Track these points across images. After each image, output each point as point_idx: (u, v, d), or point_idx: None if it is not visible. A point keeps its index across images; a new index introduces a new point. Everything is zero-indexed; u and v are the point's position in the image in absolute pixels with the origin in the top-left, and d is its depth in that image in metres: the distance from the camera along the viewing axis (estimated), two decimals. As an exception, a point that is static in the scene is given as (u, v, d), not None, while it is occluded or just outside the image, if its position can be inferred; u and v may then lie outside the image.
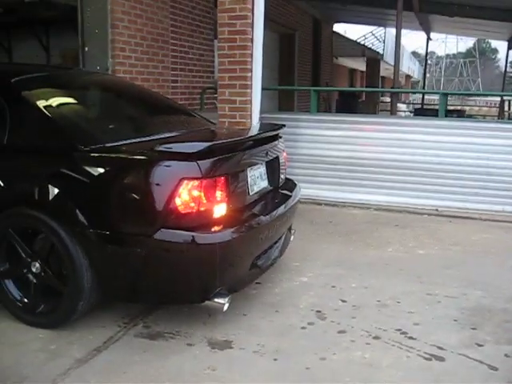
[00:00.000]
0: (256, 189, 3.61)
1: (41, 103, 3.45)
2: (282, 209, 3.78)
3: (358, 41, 20.88)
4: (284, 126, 4.18)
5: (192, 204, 3.00)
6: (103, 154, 3.26)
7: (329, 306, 3.74)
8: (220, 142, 3.44)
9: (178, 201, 2.97)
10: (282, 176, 4.24)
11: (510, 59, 16.97)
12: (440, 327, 3.47)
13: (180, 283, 3.18)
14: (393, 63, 10.92)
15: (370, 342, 3.27)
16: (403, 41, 21.00)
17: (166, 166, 3.09)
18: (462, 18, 12.00)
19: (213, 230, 3.07)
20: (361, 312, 3.66)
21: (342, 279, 4.24)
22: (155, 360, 3.03)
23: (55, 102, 3.63)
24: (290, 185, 4.32)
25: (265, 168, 3.81)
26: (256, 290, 3.98)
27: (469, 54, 61.21)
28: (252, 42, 6.38)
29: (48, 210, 3.18)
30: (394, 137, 6.78)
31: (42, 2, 7.58)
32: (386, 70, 22.61)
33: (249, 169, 3.53)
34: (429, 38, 16.81)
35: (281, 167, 4.18)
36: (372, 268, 4.51)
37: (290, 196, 4.05)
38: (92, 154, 3.24)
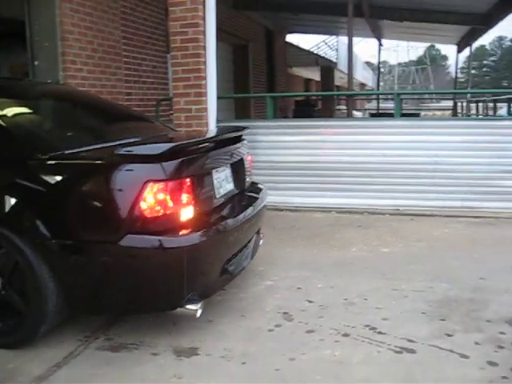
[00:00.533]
0: (222, 192, 3.54)
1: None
2: (249, 211, 3.70)
3: (311, 50, 21.05)
4: (247, 128, 4.11)
5: (158, 207, 2.90)
6: (62, 161, 3.14)
7: (295, 308, 3.66)
8: (183, 143, 3.32)
9: (143, 205, 2.87)
10: (248, 179, 4.17)
11: (459, 64, 17.37)
12: (409, 321, 3.43)
13: (149, 290, 3.05)
14: (346, 71, 11.00)
15: (339, 339, 3.21)
16: (356, 50, 21.30)
17: (129, 170, 2.98)
18: (411, 23, 12.20)
19: (180, 233, 2.97)
20: (328, 311, 3.60)
21: (307, 281, 4.18)
22: (118, 372, 2.89)
23: (7, 111, 3.46)
24: (257, 188, 4.26)
25: (230, 171, 3.75)
26: (221, 295, 3.87)
27: (420, 61, 62.67)
28: (205, 49, 6.31)
29: (6, 222, 3.04)
30: (350, 139, 6.80)
31: (-13, 18, 7.37)
32: (340, 78, 22.86)
33: (214, 171, 3.44)
34: (380, 45, 17.05)
35: (246, 170, 4.11)
36: (337, 268, 4.46)
37: (258, 198, 3.99)
38: (50, 162, 3.11)
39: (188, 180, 3.03)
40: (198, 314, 3.06)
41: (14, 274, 3.05)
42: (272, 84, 15.55)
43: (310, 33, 18.92)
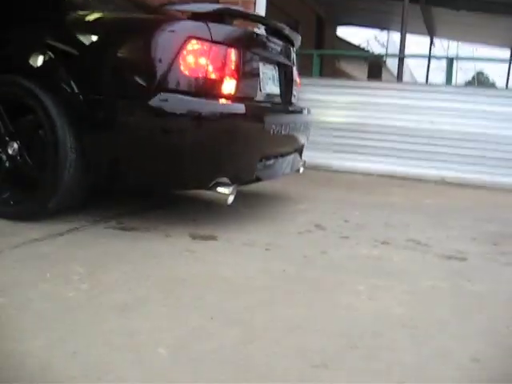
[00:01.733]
0: (268, 90, 3.21)
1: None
2: (292, 118, 3.41)
3: (361, 46, 20.64)
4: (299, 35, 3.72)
5: (197, 68, 2.60)
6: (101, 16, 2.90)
7: (330, 223, 3.28)
8: (234, 8, 2.95)
9: (181, 62, 2.57)
10: (295, 95, 3.78)
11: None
12: (457, 241, 3.03)
13: (177, 163, 2.71)
14: (394, 71, 10.53)
15: (378, 245, 2.81)
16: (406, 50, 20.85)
17: (172, 24, 2.72)
18: (466, 17, 11.74)
19: (219, 101, 2.68)
20: (366, 228, 3.21)
21: (343, 209, 3.78)
22: (125, 244, 2.55)
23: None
24: (303, 107, 3.85)
25: (277, 73, 3.41)
26: (249, 208, 3.50)
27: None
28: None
29: (36, 78, 2.75)
30: (398, 103, 6.36)
31: None
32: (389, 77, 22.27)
33: (261, 63, 3.12)
34: (432, 43, 16.55)
35: (294, 83, 3.74)
36: (376, 206, 4.04)
37: (302, 114, 3.66)
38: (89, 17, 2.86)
39: (233, 50, 2.71)
40: (230, 199, 2.72)
41: (33, 138, 2.81)
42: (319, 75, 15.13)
43: (360, 25, 18.49)
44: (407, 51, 9.24)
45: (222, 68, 2.66)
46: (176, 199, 3.62)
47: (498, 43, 15.77)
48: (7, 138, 2.83)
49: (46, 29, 2.87)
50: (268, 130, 2.96)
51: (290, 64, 3.62)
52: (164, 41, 2.65)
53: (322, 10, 14.55)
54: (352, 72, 21.63)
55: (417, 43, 19.30)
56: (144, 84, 2.62)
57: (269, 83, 3.27)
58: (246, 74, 2.91)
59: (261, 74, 3.12)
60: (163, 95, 2.56)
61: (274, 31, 3.33)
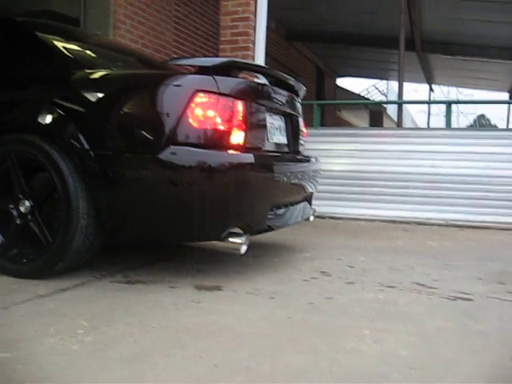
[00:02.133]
0: (275, 140, 3.26)
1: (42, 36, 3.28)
2: (301, 166, 3.44)
3: (361, 94, 20.93)
4: (301, 82, 3.77)
5: (207, 120, 2.65)
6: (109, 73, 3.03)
7: (335, 269, 3.29)
8: (240, 61, 3.06)
9: (190, 115, 2.63)
10: (302, 143, 3.84)
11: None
12: (462, 282, 3.03)
13: (189, 215, 2.71)
14: (395, 117, 10.69)
15: (383, 289, 2.82)
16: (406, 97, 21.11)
17: (179, 78, 2.78)
18: (462, 62, 11.96)
19: (229, 151, 2.73)
20: (371, 273, 3.22)
21: (348, 255, 3.79)
22: (130, 296, 2.56)
23: (54, 39, 3.39)
24: (310, 156, 3.85)
25: (284, 123, 3.48)
26: (254, 257, 3.52)
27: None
28: (254, 44, 6.17)
29: (46, 136, 2.82)
30: (398, 148, 6.45)
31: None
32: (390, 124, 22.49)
33: (268, 114, 3.16)
34: (431, 89, 16.83)
35: (301, 132, 3.80)
36: (381, 251, 4.05)
37: (310, 162, 3.68)
38: (95, 76, 2.96)
39: (240, 101, 2.78)
40: (243, 249, 2.72)
41: (45, 198, 2.86)
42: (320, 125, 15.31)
43: (360, 76, 18.83)
44: (407, 98, 9.39)
45: (229, 120, 2.71)
46: (180, 250, 3.63)
47: (495, 88, 16.00)
48: (20, 196, 2.87)
49: (54, 87, 2.97)
50: (277, 179, 2.99)
51: (296, 114, 3.66)
52: (172, 95, 2.70)
53: (321, 63, 14.84)
54: (353, 120, 21.90)
55: (416, 90, 19.59)
56: (153, 138, 2.66)
57: (276, 133, 3.31)
58: (254, 125, 2.95)
59: (268, 124, 3.16)
60: (173, 148, 2.60)
61: (278, 82, 3.35)
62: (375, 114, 20.78)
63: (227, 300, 2.51)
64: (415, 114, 26.66)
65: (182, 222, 2.71)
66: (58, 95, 2.88)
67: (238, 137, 2.76)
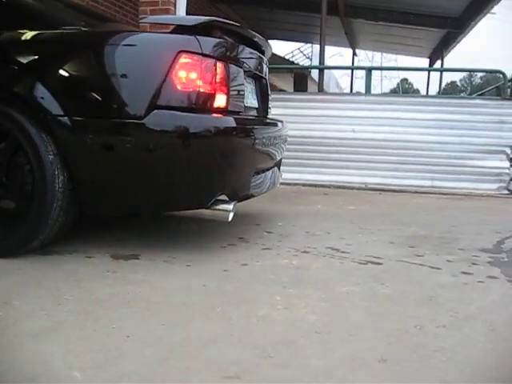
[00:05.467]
0: (249, 103, 3.14)
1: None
2: (274, 130, 3.32)
3: (286, 58, 20.97)
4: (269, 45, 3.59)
5: (191, 83, 2.54)
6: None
7: (253, 235, 3.35)
8: (221, 20, 2.81)
9: (173, 77, 2.50)
10: (270, 107, 3.75)
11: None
12: (375, 246, 3.14)
13: (175, 182, 2.63)
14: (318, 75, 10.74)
15: (298, 254, 2.89)
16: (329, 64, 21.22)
17: (162, 38, 2.68)
18: (386, 28, 12.17)
19: (214, 115, 2.62)
20: (288, 238, 3.28)
21: (266, 221, 3.85)
22: (45, 267, 2.53)
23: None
24: (278, 120, 3.69)
25: (254, 87, 3.36)
26: (175, 225, 3.53)
27: (393, 93, 63.55)
28: (174, 6, 6.06)
29: (13, 100, 2.61)
30: (320, 113, 6.54)
31: None
32: (314, 88, 22.66)
33: (244, 76, 3.03)
34: (354, 54, 17.06)
35: (269, 96, 3.71)
36: (300, 216, 4.13)
37: (280, 127, 3.55)
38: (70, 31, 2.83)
39: (222, 63, 2.65)
40: (230, 216, 2.66)
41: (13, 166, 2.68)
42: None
43: (285, 39, 18.83)
44: (333, 62, 9.49)
45: (213, 82, 2.59)
46: (101, 221, 3.58)
47: (418, 53, 16.39)
48: None
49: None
50: (258, 143, 2.92)
51: (264, 76, 3.55)
52: (154, 56, 2.58)
53: (247, 26, 14.66)
54: (279, 84, 21.93)
55: (341, 54, 19.80)
56: (136, 102, 2.52)
57: (249, 96, 3.19)
58: (234, 88, 2.83)
59: (245, 87, 3.06)
60: (157, 113, 2.49)
61: (247, 41, 3.15)
62: (300, 77, 20.84)
63: (144, 269, 2.52)
64: (340, 78, 26.93)
65: (168, 190, 2.64)
66: (20, 54, 2.70)
67: (221, 100, 2.64)
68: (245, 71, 3.03)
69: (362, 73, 19.81)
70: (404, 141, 6.21)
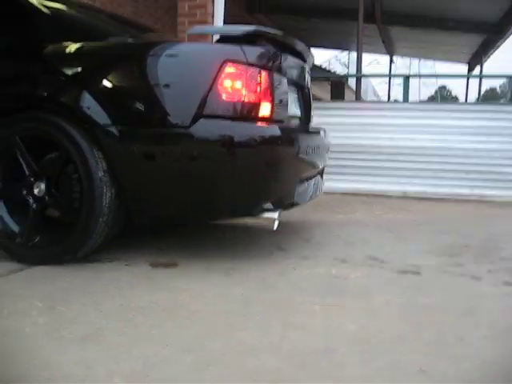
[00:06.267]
0: (292, 112, 3.14)
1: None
2: (317, 139, 3.32)
3: (323, 66, 20.96)
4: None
5: (236, 92, 2.55)
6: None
7: (291, 244, 3.35)
8: (265, 30, 2.83)
9: (220, 87, 2.52)
10: (312, 116, 3.73)
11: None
12: (414, 255, 3.12)
13: (222, 191, 2.63)
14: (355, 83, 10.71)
15: (337, 263, 2.88)
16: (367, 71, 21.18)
17: (207, 48, 2.75)
18: (423, 34, 12.05)
19: (261, 124, 2.64)
20: (326, 247, 3.28)
21: (305, 229, 3.86)
22: (87, 274, 2.58)
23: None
24: (321, 129, 3.67)
25: (297, 95, 3.35)
26: (212, 233, 3.56)
27: (431, 100, 62.67)
28: (212, 17, 6.13)
29: (61, 110, 2.65)
30: (359, 122, 6.49)
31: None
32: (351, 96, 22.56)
33: (288, 85, 3.03)
34: (391, 61, 16.93)
35: (312, 105, 3.70)
36: (339, 224, 4.12)
37: (320, 134, 3.53)
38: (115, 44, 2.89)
39: (266, 72, 2.66)
40: (276, 224, 2.66)
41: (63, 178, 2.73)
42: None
43: (322, 47, 18.79)
44: (369, 70, 9.44)
45: (257, 91, 2.61)
46: (139, 229, 3.62)
47: (456, 59, 16.17)
48: (32, 179, 2.74)
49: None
50: (302, 151, 2.90)
51: (307, 85, 3.55)
52: (200, 65, 2.61)
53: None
54: (316, 91, 21.92)
55: (378, 62, 19.69)
56: (183, 111, 2.54)
57: (292, 105, 3.19)
58: (278, 96, 2.82)
59: (289, 95, 3.06)
60: (204, 121, 2.51)
61: (289, 49, 3.11)
62: (337, 86, 20.80)
63: (183, 277, 2.55)
64: (377, 85, 26.73)
65: (215, 198, 2.63)
66: (67, 66, 2.74)
67: (265, 109, 2.64)
68: (288, 80, 3.03)
69: (400, 80, 19.67)
70: (442, 148, 6.14)
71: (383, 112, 6.47)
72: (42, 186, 2.72)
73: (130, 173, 2.61)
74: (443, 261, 2.97)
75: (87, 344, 1.77)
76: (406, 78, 6.76)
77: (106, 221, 2.61)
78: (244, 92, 2.55)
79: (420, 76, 22.55)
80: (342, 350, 1.75)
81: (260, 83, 2.61)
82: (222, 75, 2.51)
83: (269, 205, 2.67)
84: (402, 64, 25.67)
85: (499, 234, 3.86)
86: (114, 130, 2.55)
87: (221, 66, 2.52)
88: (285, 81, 2.94)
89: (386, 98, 18.99)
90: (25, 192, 2.75)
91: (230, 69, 2.53)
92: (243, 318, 2.03)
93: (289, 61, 3.04)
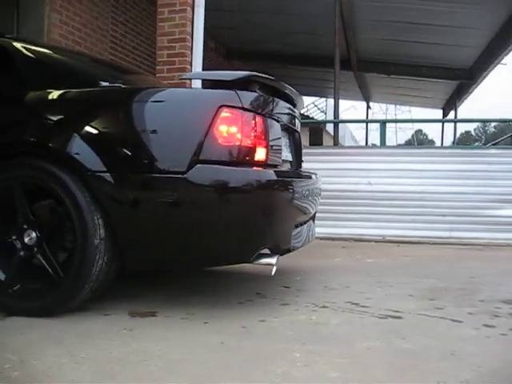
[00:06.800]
0: (284, 157, 3.12)
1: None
2: (310, 183, 3.30)
3: (301, 112, 21.26)
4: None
5: (232, 137, 2.54)
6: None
7: (270, 290, 3.32)
8: (258, 75, 2.81)
9: (216, 132, 2.52)
10: (303, 160, 3.76)
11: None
12: (395, 299, 3.11)
13: (219, 236, 2.59)
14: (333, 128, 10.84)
15: (317, 309, 2.86)
16: (345, 116, 21.49)
17: (202, 93, 2.74)
18: (398, 80, 12.35)
19: (256, 168, 2.63)
20: (306, 293, 3.26)
21: (284, 275, 3.80)
22: (61, 325, 2.51)
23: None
24: (312, 173, 3.61)
25: (288, 140, 3.37)
26: (192, 279, 3.51)
27: (408, 144, 63.82)
28: (191, 64, 6.21)
29: (52, 155, 2.64)
30: (335, 167, 6.57)
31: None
32: (329, 141, 22.85)
33: (281, 129, 3.04)
34: (368, 107, 17.26)
35: (302, 150, 3.72)
36: (318, 270, 4.11)
37: (315, 180, 3.52)
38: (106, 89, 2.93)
39: (261, 117, 2.68)
40: (274, 270, 2.63)
41: (54, 227, 2.71)
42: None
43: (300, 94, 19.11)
44: (347, 115, 9.59)
45: (253, 136, 2.60)
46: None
47: (430, 105, 16.54)
48: (25, 226, 2.67)
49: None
50: (297, 196, 2.90)
51: (297, 129, 3.55)
52: (195, 111, 2.61)
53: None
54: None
55: (355, 107, 20.04)
56: (179, 157, 2.52)
57: (284, 149, 3.19)
58: (272, 141, 2.82)
59: (282, 140, 3.07)
60: (200, 167, 2.49)
61: (280, 94, 3.11)
62: (315, 131, 21.12)
63: (161, 326, 2.51)
64: (354, 131, 27.19)
65: (212, 245, 2.60)
66: (70, 112, 2.77)
67: (261, 154, 2.65)
68: (282, 124, 3.05)
69: (377, 125, 20.02)
70: (420, 192, 6.21)
71: (361, 157, 6.55)
72: (33, 235, 2.66)
73: (124, 219, 2.57)
74: (423, 305, 2.96)
75: (61, 398, 1.71)
76: (383, 124, 6.87)
77: (100, 270, 2.56)
78: (240, 137, 2.54)
79: (396, 121, 23.06)
80: (324, 399, 1.71)
81: (255, 128, 2.61)
82: (218, 120, 2.51)
83: (265, 250, 2.64)
84: (378, 109, 26.17)
85: (478, 276, 3.88)
86: (108, 176, 2.52)
87: (217, 112, 2.51)
88: (278, 125, 2.95)
89: (363, 143, 19.24)
90: (14, 237, 2.68)
91: (225, 114, 2.53)
92: (223, 367, 1.99)
93: (281, 106, 3.06)
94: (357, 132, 28.48)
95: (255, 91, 2.72)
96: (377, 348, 2.22)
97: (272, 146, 2.78)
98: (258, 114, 2.66)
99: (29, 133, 2.73)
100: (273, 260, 2.61)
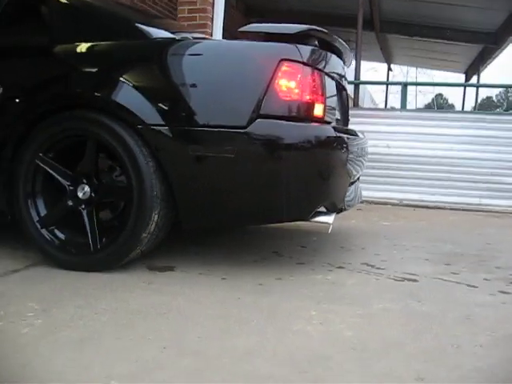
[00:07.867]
0: (336, 113, 3.06)
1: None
2: (361, 142, 3.22)
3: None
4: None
5: (292, 91, 2.48)
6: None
7: (287, 249, 3.36)
8: (317, 29, 2.72)
9: (276, 86, 2.45)
10: (349, 118, 3.69)
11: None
12: (410, 263, 3.11)
13: (278, 193, 2.53)
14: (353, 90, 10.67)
15: (333, 270, 2.87)
16: (365, 78, 21.20)
17: (263, 47, 2.62)
18: (421, 43, 12.11)
19: (316, 124, 2.58)
20: (322, 253, 3.28)
21: (300, 235, 3.85)
22: (81, 276, 2.56)
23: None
24: (359, 132, 3.49)
25: (337, 96, 3.23)
26: (210, 238, 3.55)
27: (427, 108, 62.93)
28: (212, 20, 6.16)
29: (109, 108, 2.56)
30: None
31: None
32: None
33: (335, 85, 2.98)
34: (389, 69, 16.98)
35: (348, 106, 3.66)
36: (333, 231, 4.07)
37: (364, 138, 3.42)
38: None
39: (319, 72, 2.61)
40: (330, 229, 2.62)
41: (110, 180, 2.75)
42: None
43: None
44: (367, 77, 9.45)
45: (312, 90, 2.54)
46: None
47: (453, 68, 16.23)
48: (72, 188, 2.69)
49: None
50: (352, 153, 2.83)
51: (345, 87, 3.46)
52: (257, 64, 2.54)
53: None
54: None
55: (375, 70, 19.74)
56: (239, 111, 2.47)
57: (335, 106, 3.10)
58: (329, 97, 2.77)
59: (336, 96, 3.03)
60: (261, 122, 2.44)
61: (333, 49, 3.01)
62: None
63: (179, 281, 2.54)
64: (374, 93, 26.82)
65: (270, 202, 2.54)
66: (123, 65, 2.69)
67: (319, 109, 2.57)
68: (335, 80, 3.00)
69: (397, 88, 19.73)
70: (437, 156, 6.17)
71: (381, 119, 6.48)
72: (86, 187, 2.67)
73: (182, 175, 2.53)
74: (439, 269, 2.97)
75: (83, 347, 1.76)
76: (404, 86, 6.78)
77: (157, 221, 2.54)
78: (299, 92, 2.48)
79: (418, 84, 22.63)
80: (338, 357, 1.74)
81: (314, 83, 2.55)
82: (279, 74, 2.44)
83: (323, 209, 2.62)
84: (399, 72, 25.77)
85: (494, 243, 3.87)
86: (167, 130, 2.49)
87: (277, 65, 2.45)
88: (333, 82, 2.90)
89: (382, 106, 19.03)
90: (71, 203, 2.69)
91: (286, 68, 2.46)
92: (239, 323, 2.02)
93: (334, 61, 2.98)
94: (376, 95, 28.01)
95: (313, 45, 2.64)
96: (392, 309, 2.24)
97: (328, 102, 2.72)
98: (317, 68, 2.59)
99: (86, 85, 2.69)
100: (330, 218, 2.58)
